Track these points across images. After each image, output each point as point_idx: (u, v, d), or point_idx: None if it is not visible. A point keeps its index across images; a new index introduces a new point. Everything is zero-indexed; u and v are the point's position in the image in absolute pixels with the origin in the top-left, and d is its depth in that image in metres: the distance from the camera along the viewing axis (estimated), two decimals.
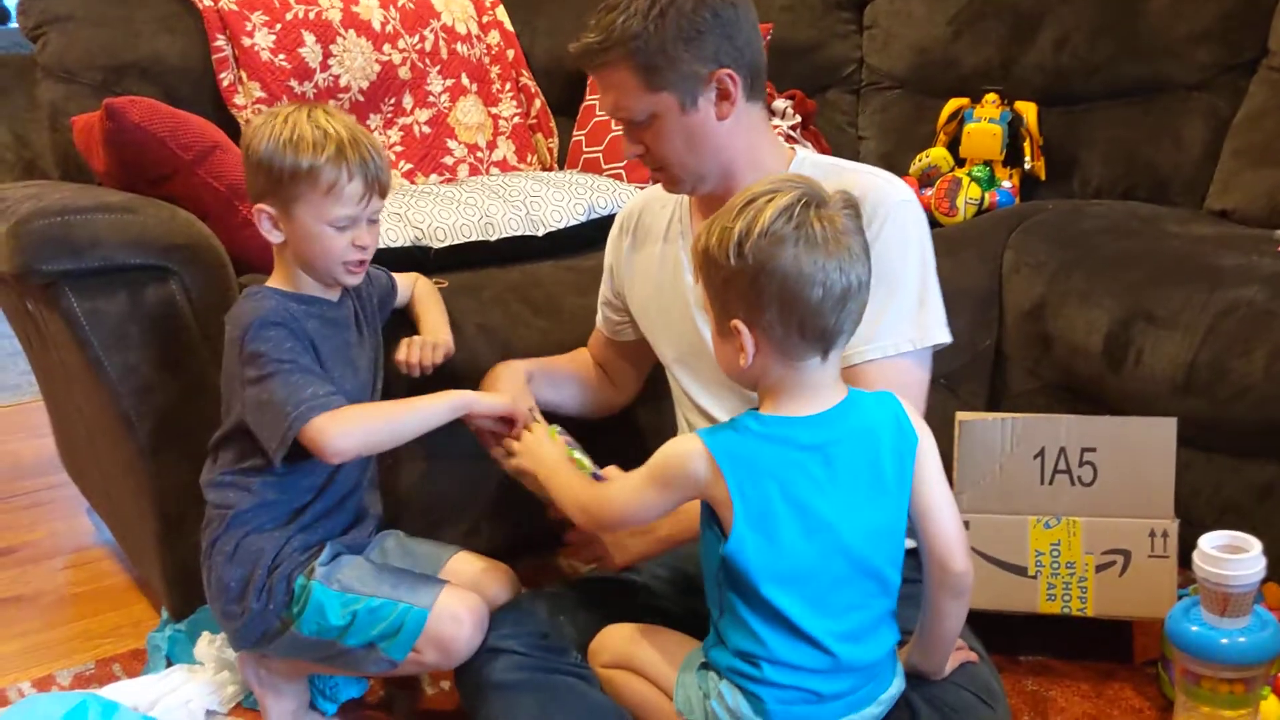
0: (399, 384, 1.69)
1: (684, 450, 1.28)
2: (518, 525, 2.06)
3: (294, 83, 2.37)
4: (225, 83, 2.36)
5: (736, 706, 1.31)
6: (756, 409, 1.31)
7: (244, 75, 2.36)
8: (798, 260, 1.20)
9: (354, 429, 1.46)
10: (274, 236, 1.52)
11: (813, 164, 1.59)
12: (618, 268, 1.78)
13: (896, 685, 1.37)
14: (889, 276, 1.47)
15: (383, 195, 1.54)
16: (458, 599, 1.51)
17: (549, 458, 1.53)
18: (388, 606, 1.50)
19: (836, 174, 1.55)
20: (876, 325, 1.47)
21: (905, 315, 1.49)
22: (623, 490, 1.36)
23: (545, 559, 2.14)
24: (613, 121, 1.57)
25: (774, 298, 1.21)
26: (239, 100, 2.36)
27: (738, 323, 1.24)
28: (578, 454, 1.58)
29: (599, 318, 1.87)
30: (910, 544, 1.37)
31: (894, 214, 1.49)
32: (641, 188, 2.45)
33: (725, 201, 1.28)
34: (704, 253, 1.26)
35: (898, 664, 1.39)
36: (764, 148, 1.57)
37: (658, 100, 1.48)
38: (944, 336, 1.52)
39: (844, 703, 1.31)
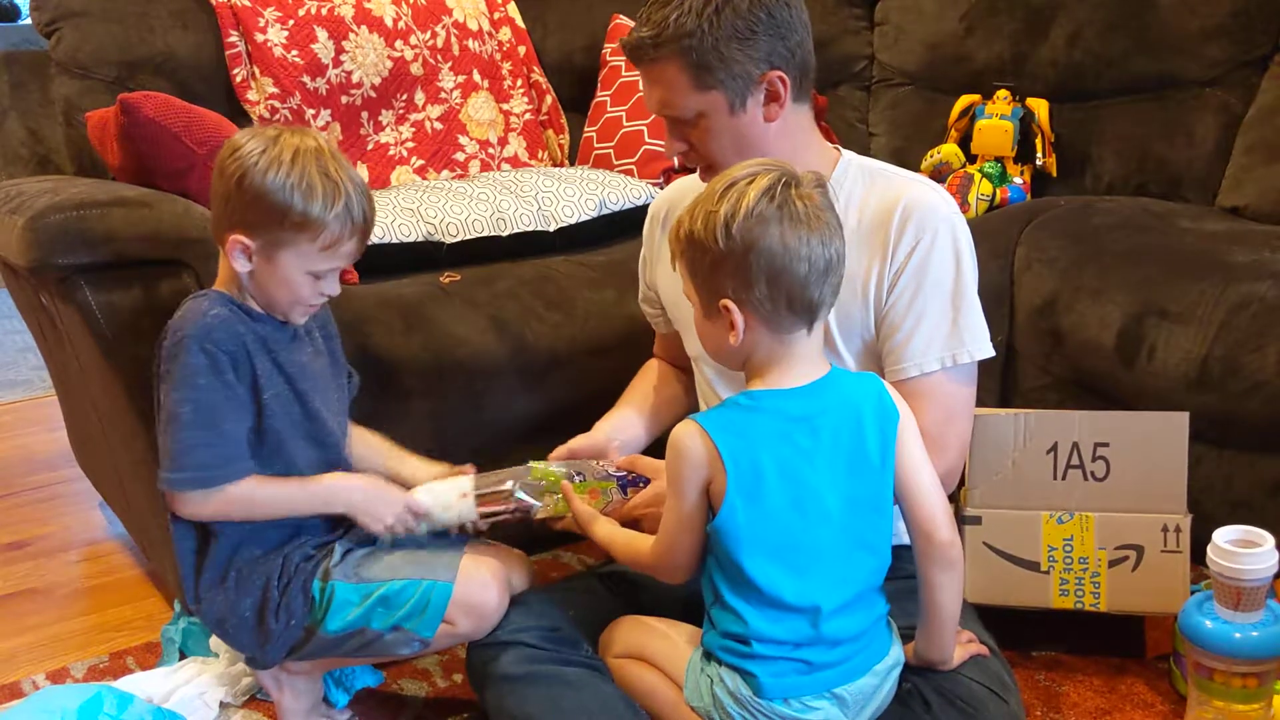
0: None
1: (680, 435, 1.32)
2: (524, 524, 2.06)
3: (306, 79, 2.38)
4: (238, 78, 2.37)
5: (736, 689, 1.33)
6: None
7: (257, 71, 2.37)
8: (783, 237, 1.26)
9: (224, 511, 1.48)
10: (243, 267, 1.44)
11: (859, 167, 1.58)
12: (650, 258, 1.77)
13: (893, 656, 1.38)
14: (934, 291, 1.49)
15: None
16: (480, 564, 1.53)
17: (598, 531, 1.49)
18: (411, 586, 1.50)
19: (884, 180, 1.55)
20: (914, 341, 1.49)
21: (945, 331, 1.50)
22: (662, 525, 1.37)
23: (554, 554, 2.14)
24: (650, 115, 1.56)
25: (762, 274, 1.26)
26: (252, 96, 2.37)
27: (727, 302, 1.29)
28: (591, 482, 1.55)
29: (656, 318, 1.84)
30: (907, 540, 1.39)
31: (943, 229, 1.50)
32: (654, 183, 2.46)
33: None
34: (688, 238, 1.31)
35: (893, 635, 1.40)
36: (810, 148, 1.56)
37: (706, 99, 1.47)
38: (985, 350, 1.52)
39: (837, 671, 1.33)
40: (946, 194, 1.55)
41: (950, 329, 1.50)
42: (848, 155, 1.60)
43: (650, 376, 1.84)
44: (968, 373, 1.52)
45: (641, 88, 1.55)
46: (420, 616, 1.50)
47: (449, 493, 1.55)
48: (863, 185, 1.55)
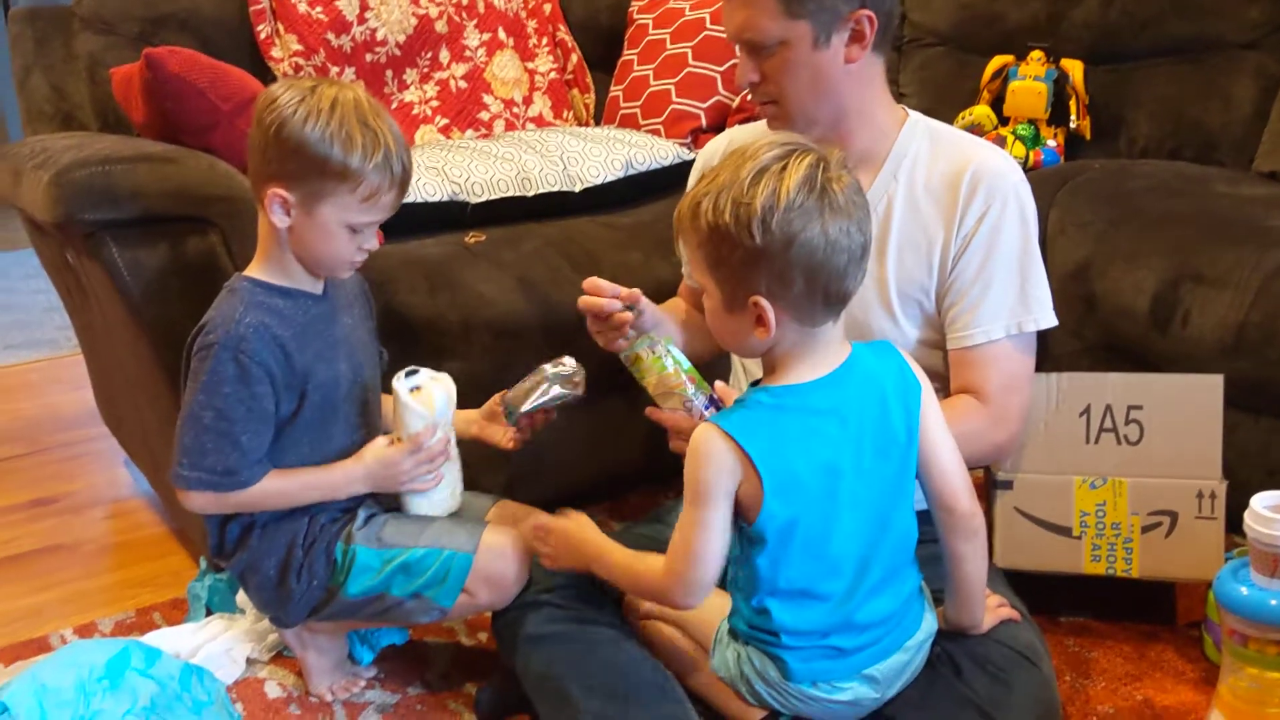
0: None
1: (704, 441, 1.24)
2: (551, 484, 2.06)
3: (331, 35, 2.36)
4: (262, 35, 2.35)
5: (764, 669, 1.32)
6: (758, 382, 1.30)
7: (281, 28, 2.35)
8: (825, 230, 1.18)
9: (231, 510, 1.50)
10: (281, 221, 1.42)
11: (926, 128, 1.56)
12: None
13: (925, 629, 1.36)
14: (1003, 258, 1.48)
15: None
16: (501, 535, 1.53)
17: (593, 549, 1.41)
18: (431, 555, 1.50)
19: (951, 142, 1.54)
20: (983, 308, 1.48)
21: (1012, 298, 1.49)
22: (679, 540, 1.26)
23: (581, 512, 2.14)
24: (737, 48, 1.50)
25: (802, 269, 1.19)
26: (276, 53, 2.35)
27: (759, 299, 1.21)
28: (685, 367, 1.46)
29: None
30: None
31: (1012, 196, 1.49)
32: (681, 143, 2.43)
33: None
34: (712, 229, 1.20)
35: (925, 606, 1.38)
36: (879, 102, 1.54)
37: (793, 28, 1.44)
38: (1049, 319, 1.52)
39: (867, 654, 1.32)
40: (1013, 160, 1.54)
41: (1018, 296, 1.49)
42: (915, 115, 1.57)
43: (682, 305, 1.78)
44: (1029, 341, 1.52)
45: (723, 9, 1.51)
46: (440, 586, 1.50)
47: (435, 398, 1.52)
48: (929, 147, 1.53)
